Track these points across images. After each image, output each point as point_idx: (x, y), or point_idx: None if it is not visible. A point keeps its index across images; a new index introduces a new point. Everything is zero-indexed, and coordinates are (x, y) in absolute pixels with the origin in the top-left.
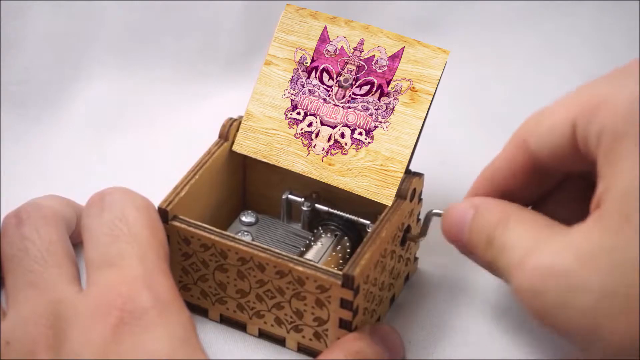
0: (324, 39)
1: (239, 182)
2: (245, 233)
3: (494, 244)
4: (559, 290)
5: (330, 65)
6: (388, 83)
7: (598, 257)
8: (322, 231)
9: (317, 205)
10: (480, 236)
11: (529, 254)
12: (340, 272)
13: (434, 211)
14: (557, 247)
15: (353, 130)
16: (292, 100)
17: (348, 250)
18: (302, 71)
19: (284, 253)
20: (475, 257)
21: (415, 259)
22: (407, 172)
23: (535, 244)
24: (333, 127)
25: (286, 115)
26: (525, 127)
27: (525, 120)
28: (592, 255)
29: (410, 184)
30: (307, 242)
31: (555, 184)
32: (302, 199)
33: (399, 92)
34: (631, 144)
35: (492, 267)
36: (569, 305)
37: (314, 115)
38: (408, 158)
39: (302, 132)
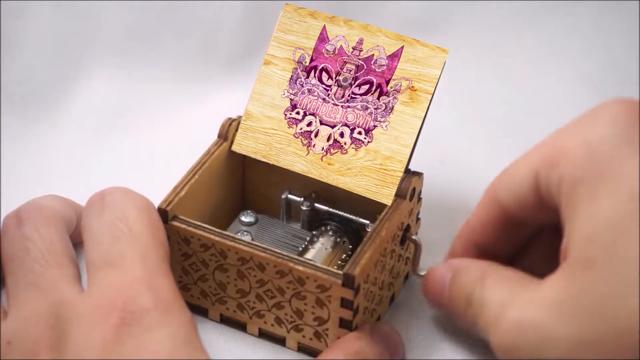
0: (323, 38)
1: (239, 182)
2: (245, 233)
3: (473, 303)
4: (532, 343)
5: (329, 65)
6: (387, 82)
7: (565, 307)
8: (321, 231)
9: (316, 204)
10: (460, 297)
11: (502, 310)
12: (340, 272)
13: (420, 272)
14: (528, 301)
15: (352, 130)
16: (291, 99)
17: (348, 250)
18: (301, 71)
19: (284, 253)
20: (457, 318)
21: None
22: (407, 171)
23: (509, 299)
24: (332, 127)
25: (285, 114)
26: (496, 182)
27: (496, 176)
28: (560, 305)
29: (410, 183)
30: (307, 241)
31: (530, 236)
32: (302, 199)
33: (398, 91)
34: (587, 190)
35: (473, 328)
36: (544, 357)
37: (313, 114)
38: (407, 157)
39: (301, 132)
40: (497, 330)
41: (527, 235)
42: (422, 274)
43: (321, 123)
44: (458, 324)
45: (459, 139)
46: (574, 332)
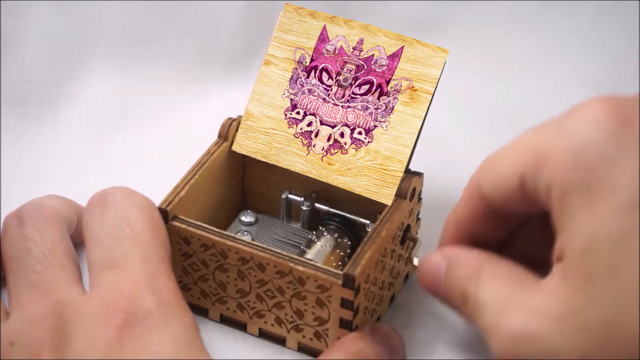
0: (323, 38)
1: (239, 181)
2: (245, 233)
3: (469, 301)
4: (533, 355)
5: (329, 65)
6: (387, 82)
7: (566, 320)
8: (322, 231)
9: (316, 204)
10: (455, 292)
11: (500, 318)
12: (340, 272)
13: (414, 262)
14: (526, 310)
15: (353, 130)
16: (291, 99)
17: (348, 249)
18: (301, 71)
19: (284, 253)
20: (454, 311)
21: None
22: (407, 171)
23: (506, 306)
24: (333, 127)
25: (286, 114)
26: (478, 174)
27: (478, 166)
28: (560, 319)
29: (410, 183)
30: (307, 241)
31: (519, 222)
32: (302, 199)
33: (398, 91)
34: (580, 199)
35: (471, 322)
36: None
37: (313, 114)
38: (408, 157)
39: (301, 132)
40: (496, 337)
41: (515, 223)
42: (416, 263)
43: (321, 123)
44: (456, 314)
45: (459, 139)
46: (577, 348)
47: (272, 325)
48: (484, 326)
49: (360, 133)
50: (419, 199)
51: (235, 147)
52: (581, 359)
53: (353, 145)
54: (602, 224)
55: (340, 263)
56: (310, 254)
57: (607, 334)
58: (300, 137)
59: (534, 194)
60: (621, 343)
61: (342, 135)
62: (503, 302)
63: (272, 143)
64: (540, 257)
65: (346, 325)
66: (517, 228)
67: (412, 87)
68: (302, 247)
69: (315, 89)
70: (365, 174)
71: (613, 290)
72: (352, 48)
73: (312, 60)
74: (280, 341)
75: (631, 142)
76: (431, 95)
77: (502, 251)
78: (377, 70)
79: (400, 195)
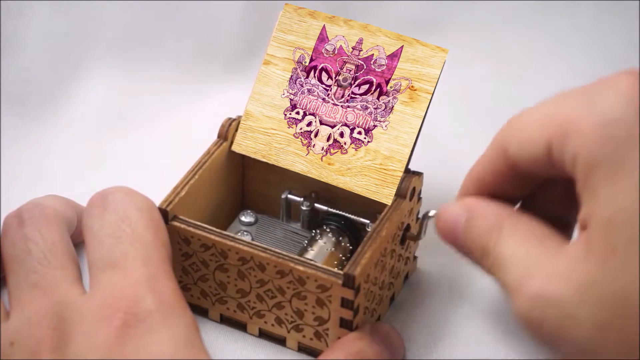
0: (322, 38)
1: (238, 181)
2: (245, 233)
3: (489, 255)
4: (554, 319)
5: (329, 65)
6: (387, 82)
7: (589, 289)
8: (322, 231)
9: (316, 204)
10: (475, 244)
11: (523, 279)
12: (341, 272)
13: (430, 213)
14: (550, 274)
15: (352, 130)
16: (291, 99)
17: (348, 249)
18: (301, 71)
19: (284, 253)
20: (472, 262)
21: (415, 257)
22: (407, 171)
23: (529, 268)
24: (332, 127)
25: (285, 114)
26: (504, 133)
27: (505, 124)
28: (583, 286)
29: (410, 183)
30: (307, 241)
31: (541, 182)
32: (302, 199)
33: (398, 91)
34: (606, 172)
35: (490, 275)
36: (565, 334)
37: (313, 114)
38: (407, 157)
39: (301, 132)
40: (517, 299)
41: (539, 183)
42: (432, 214)
43: (321, 123)
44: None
45: (459, 139)
46: (597, 317)
47: (272, 325)
48: (505, 284)
49: (359, 133)
50: (419, 199)
51: (235, 147)
52: (599, 327)
53: (353, 145)
54: (625, 199)
55: (340, 263)
56: (310, 254)
57: (625, 306)
58: (300, 137)
59: (560, 162)
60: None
61: (341, 135)
62: (525, 262)
63: (272, 143)
64: (562, 216)
65: (346, 325)
66: (541, 187)
67: (412, 86)
68: (301, 247)
69: (315, 88)
70: (365, 173)
71: (633, 263)
72: (352, 48)
73: (311, 60)
74: (281, 341)
75: None
76: (431, 95)
77: (524, 207)
78: (376, 70)
79: (400, 195)
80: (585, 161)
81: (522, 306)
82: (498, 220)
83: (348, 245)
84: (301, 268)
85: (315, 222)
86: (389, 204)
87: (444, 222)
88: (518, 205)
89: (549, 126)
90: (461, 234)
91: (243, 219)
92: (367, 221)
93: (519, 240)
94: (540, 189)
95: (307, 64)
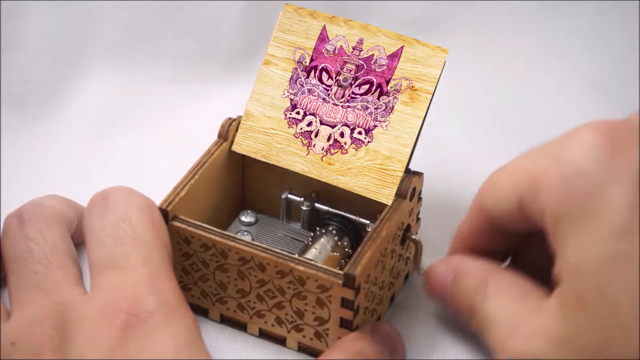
0: (322, 38)
1: (238, 181)
2: (245, 233)
3: (476, 315)
4: None
5: (329, 65)
6: (387, 82)
7: (566, 345)
8: (322, 231)
9: (316, 204)
10: (463, 304)
11: (506, 338)
12: (341, 272)
13: (420, 272)
14: (529, 333)
15: (352, 130)
16: (291, 99)
17: (348, 249)
18: (301, 71)
19: (284, 253)
20: (463, 320)
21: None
22: (407, 171)
23: (511, 327)
24: (332, 127)
25: (285, 114)
26: (482, 194)
27: (483, 183)
28: (558, 343)
29: (410, 183)
30: (307, 241)
31: (525, 236)
32: (302, 199)
33: (398, 91)
34: (572, 225)
35: (480, 334)
36: None
37: (313, 114)
38: (408, 157)
39: (301, 132)
40: (502, 357)
41: (521, 237)
42: (423, 272)
43: (321, 123)
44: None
45: (459, 139)
46: None
47: (273, 325)
48: (491, 343)
49: (360, 133)
50: (419, 199)
51: (235, 147)
52: None
53: (353, 145)
54: (591, 249)
55: (340, 263)
56: (310, 254)
57: (601, 357)
58: (300, 137)
59: (531, 216)
60: None
61: (342, 135)
62: (507, 322)
63: (272, 143)
64: (550, 266)
65: (346, 325)
66: (526, 239)
67: (412, 86)
68: (302, 247)
69: (315, 88)
70: (365, 173)
71: (602, 314)
72: (352, 48)
73: (311, 60)
74: (281, 341)
75: (621, 169)
76: (431, 95)
77: (513, 259)
78: (376, 70)
79: (400, 195)
80: (552, 215)
81: None
82: (482, 279)
83: (348, 245)
84: (301, 268)
85: (315, 222)
86: (389, 204)
87: (432, 281)
88: (508, 259)
89: (519, 182)
90: (449, 293)
91: (243, 219)
92: (368, 221)
93: (501, 298)
94: (525, 242)
95: (307, 64)
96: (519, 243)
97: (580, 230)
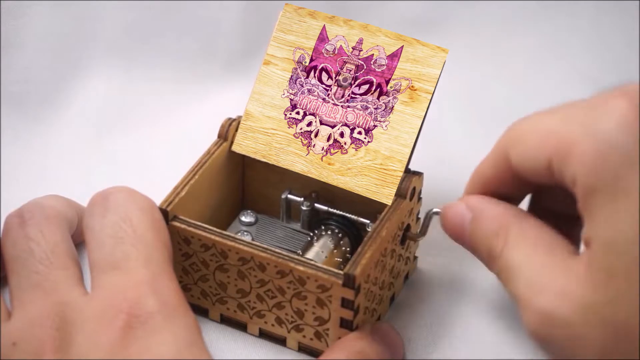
0: (322, 38)
1: (238, 182)
2: (245, 233)
3: (497, 260)
4: (562, 340)
5: (329, 65)
6: (387, 82)
7: (593, 312)
8: (322, 231)
9: (316, 204)
10: (481, 247)
11: (532, 295)
12: (341, 272)
13: (434, 210)
14: (557, 292)
15: (352, 130)
16: (291, 99)
17: (348, 249)
18: (301, 71)
19: (284, 253)
20: (480, 260)
21: (415, 257)
22: (407, 171)
23: (538, 283)
24: (332, 127)
25: (285, 114)
26: (506, 140)
27: (507, 130)
28: (588, 309)
29: (410, 183)
30: (307, 241)
31: (544, 185)
32: (302, 199)
33: (398, 91)
34: (604, 198)
35: (499, 281)
36: (571, 354)
37: (313, 114)
38: (407, 157)
39: (301, 132)
40: (526, 315)
41: (541, 185)
42: (437, 210)
43: (321, 123)
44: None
45: (459, 139)
46: (602, 340)
47: (273, 325)
48: (515, 295)
49: (360, 133)
50: (419, 199)
51: (235, 147)
52: (604, 350)
53: (353, 145)
54: (623, 225)
55: (340, 263)
56: (310, 254)
57: (627, 332)
58: (300, 137)
59: (560, 179)
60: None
61: (341, 135)
62: (534, 276)
63: (272, 143)
64: (569, 212)
65: (347, 325)
66: (547, 187)
67: (412, 86)
68: (302, 247)
69: (315, 88)
70: (365, 173)
71: (633, 290)
72: (352, 48)
73: (311, 60)
74: (281, 341)
75: None
76: (431, 95)
77: (534, 203)
78: (376, 70)
79: (400, 194)
80: (584, 185)
81: (531, 323)
82: (503, 223)
83: (348, 245)
84: (301, 268)
85: (315, 222)
86: (389, 204)
87: (449, 221)
88: (528, 201)
89: (548, 144)
90: (467, 233)
91: (243, 219)
92: (368, 221)
93: (527, 248)
94: (545, 189)
95: (307, 64)
96: (539, 190)
97: (614, 204)
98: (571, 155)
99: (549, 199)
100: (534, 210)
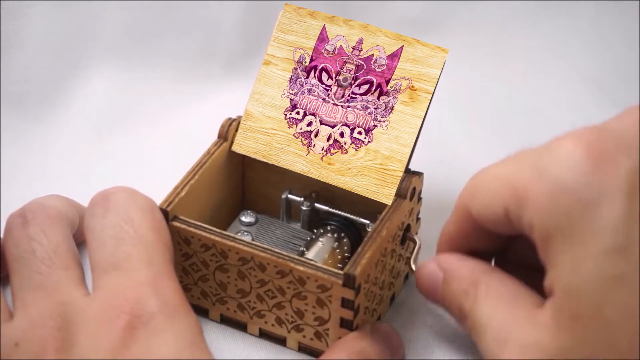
0: (322, 38)
1: (238, 182)
2: (245, 233)
3: (467, 319)
4: None
5: (329, 65)
6: (387, 82)
7: (560, 358)
8: (322, 231)
9: (316, 204)
10: (453, 306)
11: (499, 348)
12: (341, 272)
13: (411, 265)
14: (522, 345)
15: (352, 130)
16: (291, 99)
17: (348, 249)
18: (301, 71)
19: (284, 253)
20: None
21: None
22: (407, 171)
23: (503, 336)
24: (332, 127)
25: (285, 115)
26: (465, 196)
27: (465, 185)
28: (554, 357)
29: (410, 183)
30: (307, 241)
31: (512, 236)
32: (302, 199)
33: (398, 91)
34: (561, 241)
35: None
36: None
37: (313, 114)
38: (408, 157)
39: (301, 132)
40: None
41: (507, 238)
42: (414, 268)
43: (321, 123)
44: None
45: (459, 139)
46: None
47: (273, 325)
48: (484, 351)
49: (360, 133)
50: (419, 199)
51: (235, 148)
52: None
53: (353, 145)
54: (584, 268)
55: (340, 263)
56: (310, 254)
57: None
58: (300, 137)
59: (519, 226)
60: None
61: (342, 135)
62: (500, 330)
63: (272, 143)
64: (536, 264)
65: (347, 325)
66: (513, 238)
67: (412, 86)
68: (302, 247)
69: (315, 88)
70: (365, 173)
71: (597, 334)
72: (352, 48)
73: (311, 60)
74: (281, 341)
75: (608, 184)
76: (431, 95)
77: (500, 257)
78: (376, 70)
79: (400, 195)
80: (540, 230)
81: None
82: (472, 280)
83: (348, 245)
84: (301, 268)
85: (315, 222)
86: (389, 204)
87: (423, 282)
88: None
89: (504, 192)
90: (440, 295)
91: (243, 219)
92: (368, 221)
93: (492, 303)
94: (513, 241)
95: (307, 64)
96: (506, 242)
97: (571, 248)
98: (526, 200)
99: (519, 251)
100: (503, 263)
